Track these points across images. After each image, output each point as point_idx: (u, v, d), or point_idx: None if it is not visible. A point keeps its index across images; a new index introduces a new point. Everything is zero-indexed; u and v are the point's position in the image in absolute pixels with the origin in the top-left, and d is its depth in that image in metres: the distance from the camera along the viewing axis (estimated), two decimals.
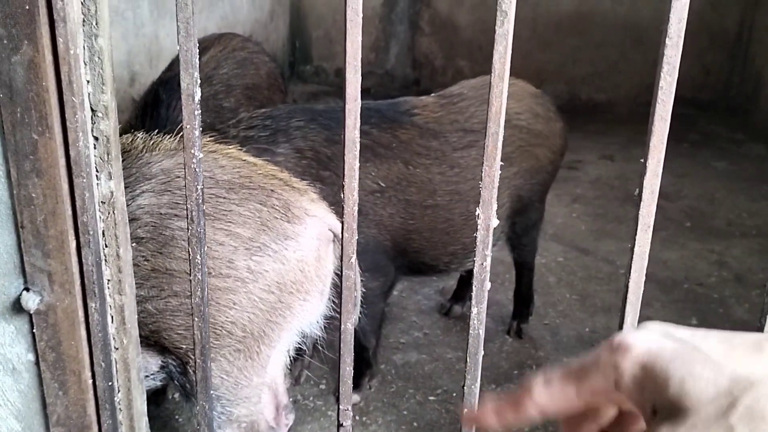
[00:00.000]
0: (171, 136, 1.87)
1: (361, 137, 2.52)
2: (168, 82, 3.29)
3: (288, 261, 1.79)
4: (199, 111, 1.08)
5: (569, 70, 7.69)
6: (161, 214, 1.72)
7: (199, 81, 1.06)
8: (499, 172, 1.08)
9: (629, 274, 1.12)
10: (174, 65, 3.48)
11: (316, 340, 2.05)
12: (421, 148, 2.62)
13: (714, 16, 7.20)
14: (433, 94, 2.91)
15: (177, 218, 1.72)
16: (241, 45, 3.85)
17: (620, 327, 1.15)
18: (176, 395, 2.81)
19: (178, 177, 1.76)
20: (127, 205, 1.33)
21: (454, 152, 2.68)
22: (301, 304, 1.85)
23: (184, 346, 1.76)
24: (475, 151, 2.68)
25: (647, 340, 0.54)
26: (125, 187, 1.31)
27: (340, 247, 1.90)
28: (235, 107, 3.60)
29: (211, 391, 1.70)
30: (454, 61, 7.94)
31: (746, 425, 0.49)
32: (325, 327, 2.01)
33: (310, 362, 2.95)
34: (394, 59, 7.94)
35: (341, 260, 1.16)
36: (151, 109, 3.20)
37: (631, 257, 1.11)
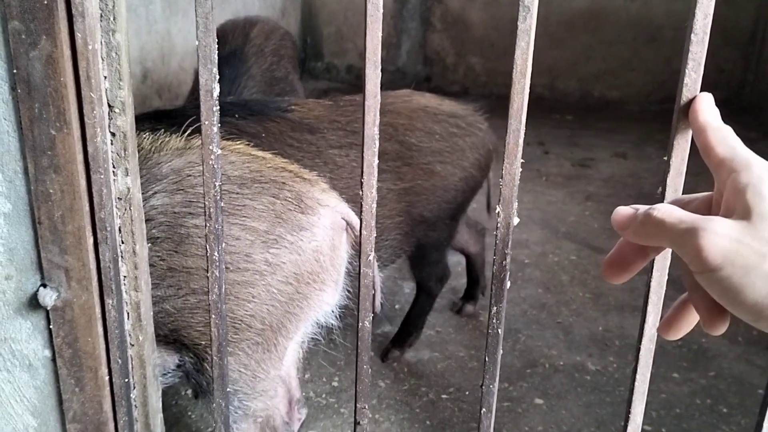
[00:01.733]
0: (178, 135, 1.86)
1: (223, 126, 2.47)
2: (227, 58, 3.32)
3: (304, 252, 1.80)
4: (218, 107, 1.07)
5: (581, 68, 7.66)
6: (175, 213, 1.72)
7: (218, 77, 1.06)
8: (520, 170, 1.07)
9: (651, 274, 1.11)
10: (224, 44, 3.52)
11: (331, 329, 2.04)
12: (293, 141, 2.56)
13: (728, 15, 7.15)
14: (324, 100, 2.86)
15: (191, 216, 1.72)
16: (277, 25, 4.07)
17: (641, 329, 1.14)
18: (189, 391, 2.81)
19: (189, 176, 1.76)
20: None
21: (330, 149, 2.60)
22: (317, 294, 1.86)
23: (203, 343, 1.76)
24: (355, 152, 2.61)
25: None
26: None
27: (352, 235, 1.91)
28: (284, 76, 3.71)
29: (229, 387, 1.70)
30: (466, 58, 7.93)
31: None
32: (340, 317, 2.01)
33: (324, 353, 2.95)
34: (405, 56, 7.93)
35: (359, 258, 1.15)
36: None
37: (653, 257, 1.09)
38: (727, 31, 7.21)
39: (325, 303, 1.90)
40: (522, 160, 1.10)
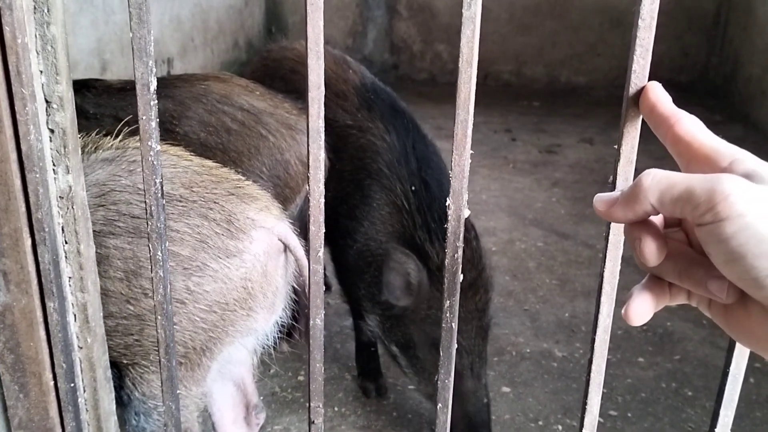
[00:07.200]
0: (112, 137, 1.77)
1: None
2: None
3: (230, 280, 1.70)
4: (156, 101, 1.03)
5: (548, 53, 7.66)
6: (95, 231, 1.64)
7: (154, 70, 1.02)
8: (469, 161, 1.05)
9: (604, 264, 1.09)
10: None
11: (293, 325, 1.99)
12: None
13: None
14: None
15: (112, 236, 1.62)
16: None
17: (595, 318, 1.12)
18: None
19: (114, 190, 1.66)
20: None
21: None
22: (244, 321, 1.77)
23: (124, 362, 1.70)
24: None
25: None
26: None
27: (292, 256, 1.81)
28: None
29: (150, 402, 1.67)
30: (432, 45, 7.89)
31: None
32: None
33: (287, 353, 2.92)
34: (371, 44, 7.87)
35: (308, 254, 1.12)
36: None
37: (606, 246, 1.08)
38: (691, 15, 7.26)
39: (254, 329, 1.82)
40: (471, 152, 1.07)
